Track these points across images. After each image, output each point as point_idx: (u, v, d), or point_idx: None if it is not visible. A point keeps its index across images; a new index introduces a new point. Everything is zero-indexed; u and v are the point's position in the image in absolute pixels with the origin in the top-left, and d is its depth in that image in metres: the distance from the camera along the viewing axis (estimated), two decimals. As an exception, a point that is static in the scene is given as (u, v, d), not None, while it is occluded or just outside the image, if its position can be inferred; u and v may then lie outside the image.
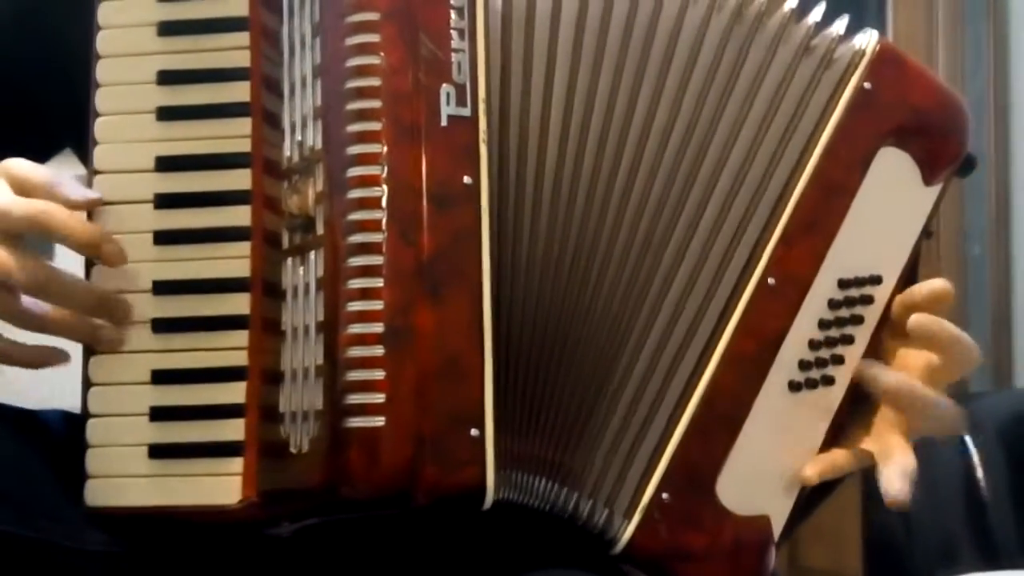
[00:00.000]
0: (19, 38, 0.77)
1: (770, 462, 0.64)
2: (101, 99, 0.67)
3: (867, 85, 0.66)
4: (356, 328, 0.57)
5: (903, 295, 0.66)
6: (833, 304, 0.65)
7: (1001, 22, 2.21)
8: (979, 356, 0.66)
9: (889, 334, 0.67)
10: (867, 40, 0.68)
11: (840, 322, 0.65)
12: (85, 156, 0.68)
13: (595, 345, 0.63)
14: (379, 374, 0.56)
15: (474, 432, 0.57)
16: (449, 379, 0.57)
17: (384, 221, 0.57)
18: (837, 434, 0.66)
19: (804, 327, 0.64)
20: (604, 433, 0.63)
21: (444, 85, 0.59)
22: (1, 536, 0.60)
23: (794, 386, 0.64)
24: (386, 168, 0.58)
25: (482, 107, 0.60)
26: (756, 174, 0.65)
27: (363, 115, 0.59)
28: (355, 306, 0.57)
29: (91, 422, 0.65)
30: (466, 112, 0.60)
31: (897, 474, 0.62)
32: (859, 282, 0.65)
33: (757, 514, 0.63)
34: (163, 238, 0.65)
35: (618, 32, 0.65)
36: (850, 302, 0.65)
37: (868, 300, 0.66)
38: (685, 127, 0.65)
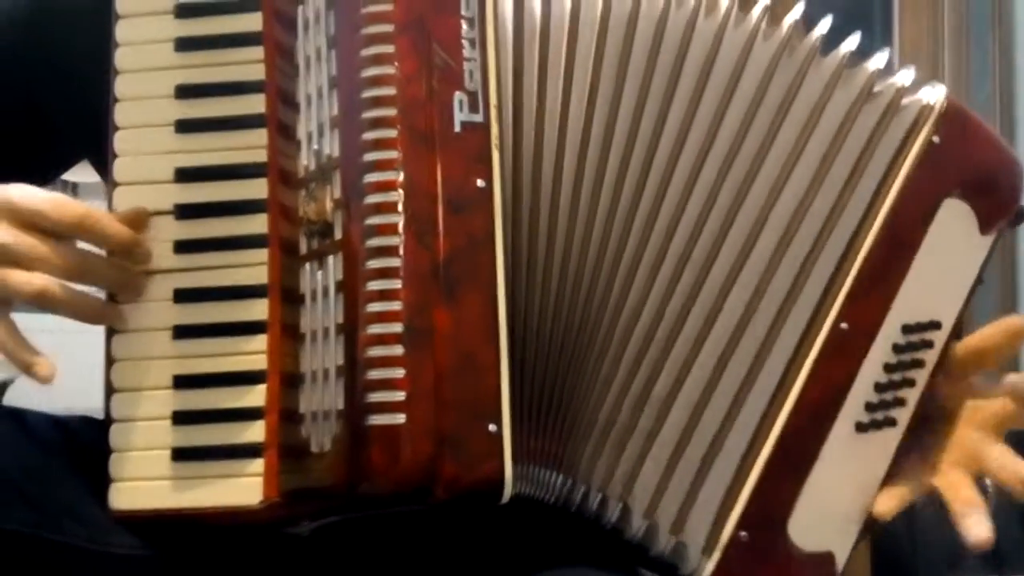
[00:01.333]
0: (29, 52, 0.78)
1: (837, 500, 0.67)
2: (120, 113, 0.69)
3: (935, 139, 0.68)
4: (376, 328, 0.59)
5: (969, 340, 0.69)
6: (897, 348, 0.67)
7: (1007, 31, 2.23)
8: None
9: (947, 379, 0.69)
10: (936, 94, 0.70)
11: (903, 366, 0.68)
12: (103, 168, 0.70)
13: (612, 344, 0.65)
14: (399, 372, 0.58)
15: (492, 427, 0.59)
16: (466, 376, 0.59)
17: (401, 225, 0.59)
18: (892, 471, 0.68)
19: (871, 371, 0.67)
20: (630, 436, 0.65)
21: (457, 92, 0.61)
22: (26, 539, 0.61)
23: (861, 427, 0.67)
24: (402, 174, 0.60)
25: (494, 113, 0.62)
26: (818, 216, 0.67)
27: (379, 123, 0.61)
28: (374, 307, 0.59)
29: (114, 427, 0.66)
30: (478, 118, 0.62)
31: (977, 519, 0.65)
32: (920, 327, 0.68)
33: (823, 551, 0.66)
34: (183, 247, 0.67)
35: (644, 41, 0.67)
36: (912, 347, 0.68)
37: (929, 345, 0.68)
38: (720, 149, 0.67)
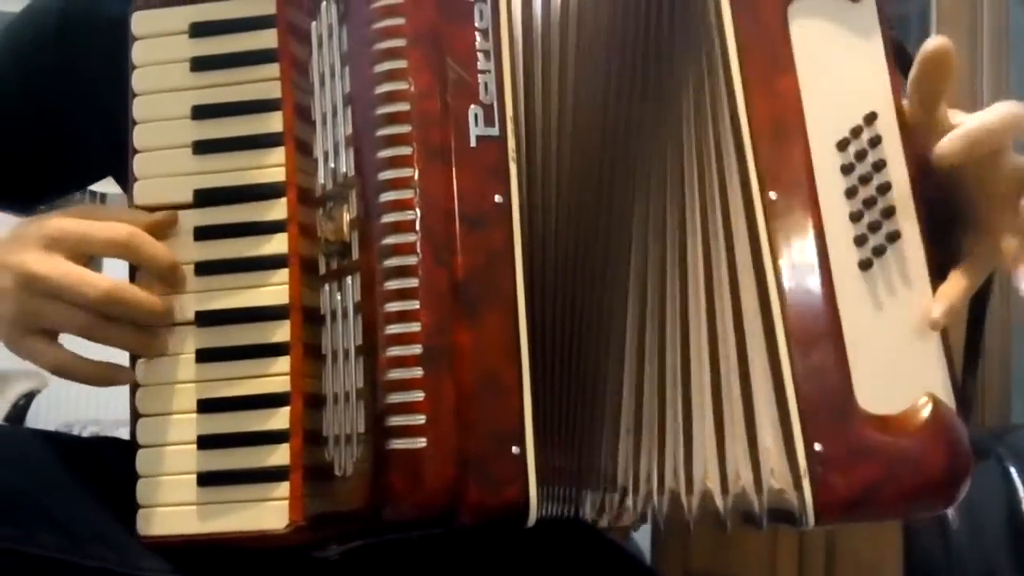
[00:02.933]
0: (56, 72, 0.79)
1: (893, 342, 0.61)
2: (139, 136, 0.68)
3: None
4: (395, 351, 0.58)
5: (908, 92, 0.63)
6: (847, 169, 0.62)
7: None
8: (1020, 109, 0.61)
9: (925, 140, 0.63)
10: None
11: (864, 179, 0.62)
12: (126, 184, 0.70)
13: (627, 348, 0.63)
14: (419, 395, 0.57)
15: (515, 450, 0.58)
16: (488, 397, 0.58)
17: (418, 244, 0.58)
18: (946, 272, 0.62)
19: (835, 209, 0.62)
20: (690, 427, 0.62)
21: (472, 106, 0.60)
22: (57, 564, 0.61)
23: (865, 264, 0.62)
24: (418, 191, 0.59)
25: (510, 126, 0.61)
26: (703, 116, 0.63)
27: (394, 140, 0.59)
28: (393, 329, 0.58)
29: (140, 452, 0.66)
30: (494, 132, 0.60)
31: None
32: (856, 132, 0.63)
33: (918, 398, 0.60)
34: (204, 269, 0.67)
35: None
36: (860, 155, 0.62)
37: (876, 141, 0.63)
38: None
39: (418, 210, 0.59)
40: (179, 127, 0.68)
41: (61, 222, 0.64)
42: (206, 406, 0.66)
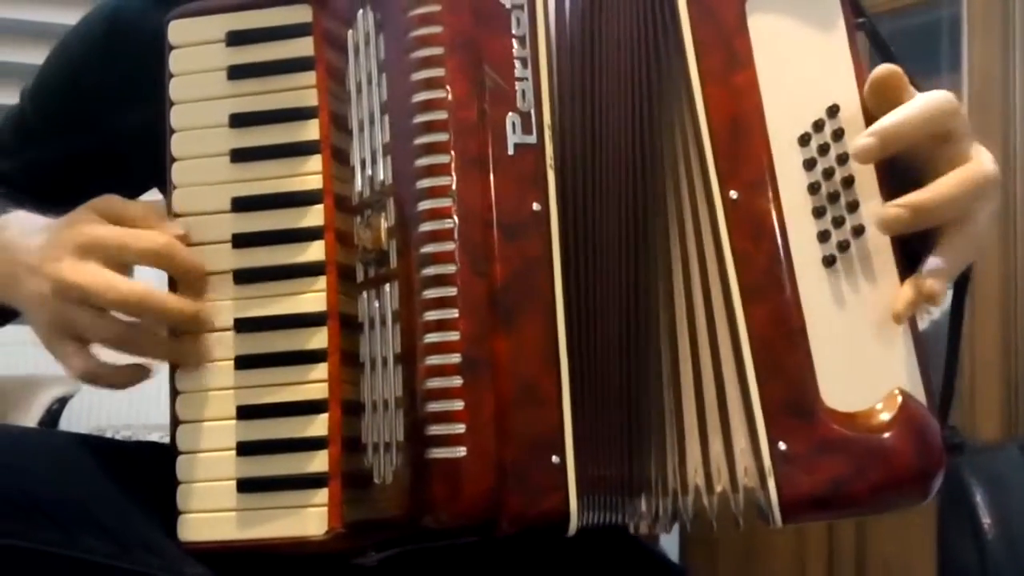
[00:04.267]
0: (104, 87, 0.80)
1: (861, 340, 0.60)
2: (176, 144, 0.69)
3: None
4: (434, 359, 0.58)
5: (865, 94, 0.62)
6: (809, 164, 0.62)
7: None
8: (943, 98, 0.60)
9: None
10: None
11: (828, 173, 0.61)
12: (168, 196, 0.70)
13: (659, 350, 0.63)
14: (458, 404, 0.57)
15: (555, 459, 0.58)
16: (527, 406, 0.58)
17: (456, 253, 0.58)
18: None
19: (797, 204, 0.61)
20: (683, 427, 0.62)
21: (510, 114, 0.60)
22: (103, 569, 0.62)
23: (828, 260, 0.61)
24: (456, 200, 0.59)
25: (548, 133, 0.60)
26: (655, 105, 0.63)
27: (431, 149, 0.59)
28: (432, 338, 0.58)
29: (181, 459, 0.66)
30: (532, 139, 0.60)
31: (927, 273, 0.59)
32: (818, 126, 0.62)
33: (887, 394, 0.59)
34: (242, 276, 0.67)
35: None
36: (823, 149, 0.62)
37: (839, 134, 0.62)
38: None
39: (456, 219, 0.59)
40: (216, 135, 0.68)
41: (97, 230, 0.65)
42: (245, 412, 0.66)
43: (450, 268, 0.58)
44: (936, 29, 2.16)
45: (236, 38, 0.68)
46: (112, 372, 0.65)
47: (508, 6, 0.61)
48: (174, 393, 0.67)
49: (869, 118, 0.61)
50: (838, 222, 0.61)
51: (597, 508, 0.60)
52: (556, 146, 0.60)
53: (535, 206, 0.59)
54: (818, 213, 0.61)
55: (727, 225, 0.61)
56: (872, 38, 0.63)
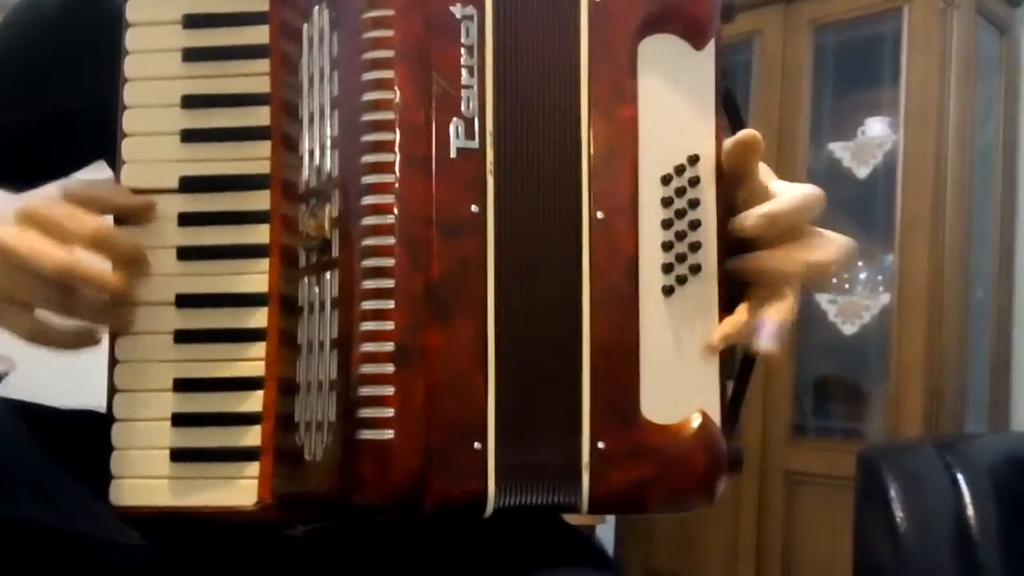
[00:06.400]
0: (56, 53, 0.80)
1: (679, 364, 0.66)
2: (128, 120, 0.70)
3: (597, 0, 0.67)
4: (368, 347, 0.61)
5: (725, 150, 0.68)
6: (666, 202, 0.67)
7: (1012, 73, 2.25)
8: (818, 195, 0.68)
9: (733, 189, 0.68)
10: None
11: (680, 213, 0.67)
12: (116, 171, 0.72)
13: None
14: (389, 390, 0.60)
15: (477, 445, 0.61)
16: (454, 395, 0.61)
17: (396, 247, 0.61)
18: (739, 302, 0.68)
19: (650, 235, 0.66)
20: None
21: (454, 119, 0.63)
22: (42, 531, 0.63)
23: (667, 290, 0.66)
24: (398, 197, 0.62)
25: (490, 140, 0.64)
26: (559, 126, 0.67)
27: (377, 147, 0.62)
28: (368, 326, 0.61)
29: (116, 426, 0.69)
30: (474, 144, 0.63)
31: (768, 323, 0.65)
32: (679, 170, 0.67)
33: (692, 413, 0.66)
34: (186, 254, 0.69)
35: None
36: (680, 192, 0.67)
37: (696, 181, 0.67)
38: None
39: (397, 215, 0.62)
40: (168, 114, 0.70)
41: (36, 203, 0.66)
42: (182, 385, 0.68)
43: (389, 261, 0.61)
44: (879, 43, 2.23)
45: (193, 21, 0.70)
46: (59, 334, 0.66)
47: (459, 16, 0.64)
48: (113, 362, 0.69)
49: (720, 171, 0.68)
50: (681, 258, 0.67)
51: (514, 492, 0.64)
52: (496, 152, 0.64)
53: (473, 208, 0.63)
54: (666, 247, 0.67)
55: (589, 240, 0.66)
56: (727, 103, 0.70)
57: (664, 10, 0.68)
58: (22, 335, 0.66)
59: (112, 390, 0.69)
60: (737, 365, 0.70)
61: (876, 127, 2.23)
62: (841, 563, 1.66)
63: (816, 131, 2.34)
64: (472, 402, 0.62)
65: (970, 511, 1.38)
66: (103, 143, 0.71)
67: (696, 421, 0.66)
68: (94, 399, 0.70)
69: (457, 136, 0.63)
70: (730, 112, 0.69)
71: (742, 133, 0.67)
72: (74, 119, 0.80)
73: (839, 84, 2.33)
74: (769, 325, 0.66)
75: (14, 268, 0.64)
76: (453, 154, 0.63)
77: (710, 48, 0.69)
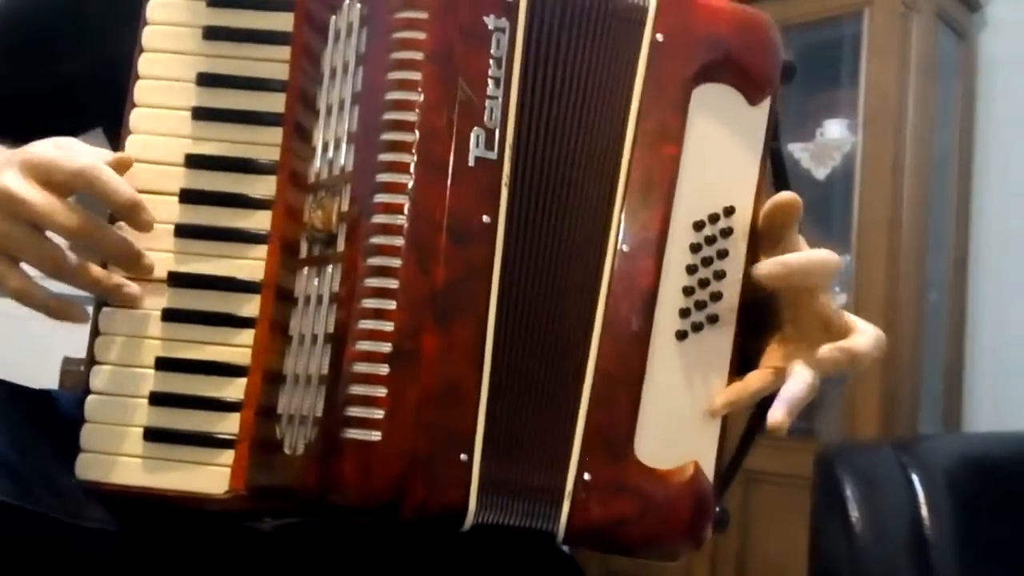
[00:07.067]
0: (59, 19, 0.79)
1: (681, 411, 0.66)
2: (140, 91, 0.69)
3: (659, 37, 0.68)
4: (365, 345, 0.60)
5: (763, 210, 0.68)
6: (694, 248, 0.67)
7: (970, 78, 2.30)
8: (835, 260, 0.67)
9: (765, 248, 0.68)
10: None
11: (707, 261, 0.67)
12: (116, 141, 0.71)
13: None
14: (381, 391, 0.60)
15: (463, 456, 0.61)
16: (446, 404, 0.61)
17: (403, 249, 0.61)
18: (749, 364, 0.68)
19: (674, 278, 0.66)
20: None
21: (475, 128, 0.63)
22: (4, 507, 0.61)
23: (681, 335, 0.66)
24: (411, 199, 0.61)
25: (508, 152, 0.64)
26: (598, 154, 0.67)
27: (396, 146, 0.62)
28: (366, 324, 0.61)
29: (90, 398, 0.67)
30: (492, 155, 0.63)
31: (782, 401, 0.65)
32: (713, 219, 0.67)
33: (683, 463, 0.65)
34: (184, 231, 0.68)
35: None
36: (710, 240, 0.67)
37: (728, 232, 0.68)
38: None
39: (408, 216, 0.61)
40: (182, 90, 0.69)
41: (33, 149, 0.64)
42: (164, 364, 0.67)
43: (395, 261, 0.61)
44: (839, 45, 2.25)
45: (219, 0, 0.70)
46: (47, 297, 0.64)
47: (491, 27, 0.64)
48: (95, 333, 0.68)
49: (755, 227, 0.68)
50: (700, 305, 0.67)
51: (494, 508, 0.63)
52: (512, 165, 0.64)
53: (485, 218, 0.63)
54: (687, 291, 0.67)
55: (611, 269, 0.66)
56: (774, 162, 0.70)
57: (725, 61, 0.68)
58: (11, 290, 0.63)
59: (91, 362, 0.67)
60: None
61: (835, 129, 2.25)
62: (797, 562, 1.66)
63: (776, 132, 2.36)
64: (463, 413, 0.61)
65: (925, 511, 1.39)
66: (103, 110, 0.69)
67: (688, 472, 0.65)
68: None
69: (477, 145, 0.63)
70: (776, 171, 0.70)
71: (782, 194, 0.67)
72: (74, 88, 0.78)
73: (799, 85, 2.33)
74: (785, 402, 0.65)
75: (14, 219, 0.62)
76: (471, 162, 0.63)
77: (765, 104, 0.69)
